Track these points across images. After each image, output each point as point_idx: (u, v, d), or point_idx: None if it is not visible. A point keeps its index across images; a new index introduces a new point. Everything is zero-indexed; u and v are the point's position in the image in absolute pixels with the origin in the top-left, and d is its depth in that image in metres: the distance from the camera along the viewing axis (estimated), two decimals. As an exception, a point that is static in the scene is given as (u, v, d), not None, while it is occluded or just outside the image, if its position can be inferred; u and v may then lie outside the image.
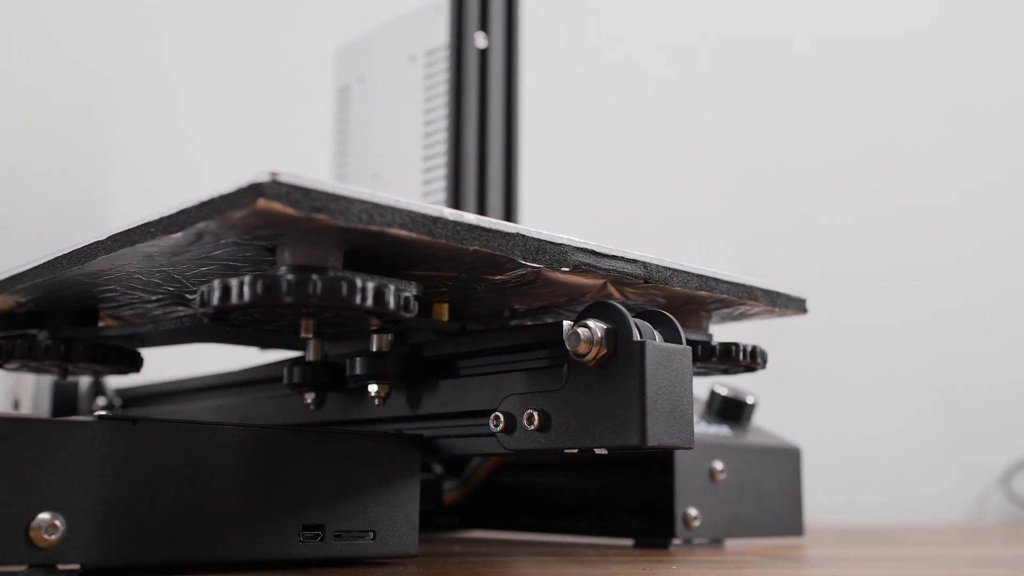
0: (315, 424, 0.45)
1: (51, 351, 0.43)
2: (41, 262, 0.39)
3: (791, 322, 0.88)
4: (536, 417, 0.36)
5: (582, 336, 0.34)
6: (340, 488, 0.37)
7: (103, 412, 0.33)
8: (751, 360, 0.43)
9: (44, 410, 0.61)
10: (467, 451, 0.40)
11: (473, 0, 0.66)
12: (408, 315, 0.32)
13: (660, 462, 0.51)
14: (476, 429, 0.39)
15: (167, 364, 0.60)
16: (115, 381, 0.63)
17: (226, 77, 0.93)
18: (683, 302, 0.42)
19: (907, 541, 0.63)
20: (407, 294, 0.32)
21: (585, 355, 0.34)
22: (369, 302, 0.31)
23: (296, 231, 0.31)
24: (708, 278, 0.41)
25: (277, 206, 0.29)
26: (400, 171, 0.67)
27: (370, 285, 0.31)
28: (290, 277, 0.30)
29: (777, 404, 0.78)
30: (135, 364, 0.47)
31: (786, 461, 0.56)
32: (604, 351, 0.34)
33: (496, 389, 0.38)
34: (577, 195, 1.01)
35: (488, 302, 0.42)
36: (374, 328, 0.35)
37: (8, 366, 0.45)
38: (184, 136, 0.90)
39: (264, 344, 0.52)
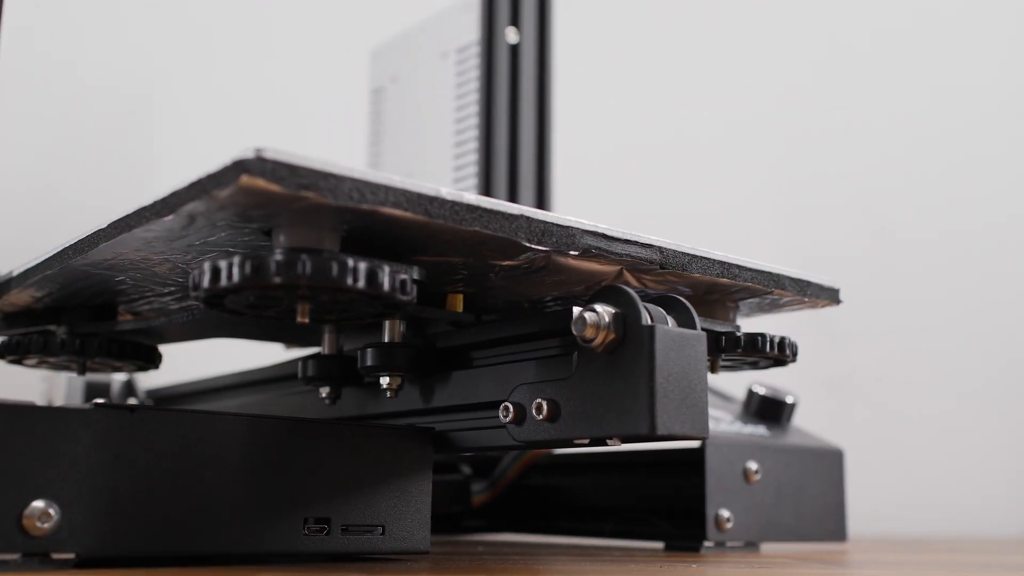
0: (328, 419, 0.44)
1: (66, 346, 0.43)
2: (50, 254, 0.39)
3: (841, 324, 0.85)
4: (545, 406, 0.34)
5: (589, 320, 0.32)
6: (348, 481, 0.36)
7: (100, 400, 0.32)
8: (779, 352, 0.42)
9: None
10: (479, 444, 0.38)
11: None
12: (405, 298, 0.31)
13: (691, 462, 0.49)
14: (488, 421, 0.38)
15: (205, 363, 0.60)
16: (147, 381, 0.63)
17: (262, 81, 0.93)
18: (706, 291, 0.41)
19: (957, 549, 0.61)
20: (403, 276, 0.31)
21: (592, 340, 0.33)
22: (361, 283, 0.30)
23: (290, 213, 0.30)
24: (730, 265, 0.39)
25: (261, 183, 0.28)
26: (432, 169, 0.66)
27: (362, 266, 0.30)
28: (279, 257, 0.29)
29: (828, 408, 0.75)
30: (152, 360, 0.46)
31: (827, 463, 0.54)
32: (612, 336, 0.32)
33: (507, 379, 0.37)
34: (612, 192, 0.99)
35: (505, 292, 0.41)
36: (373, 313, 0.34)
37: (26, 362, 0.45)
38: (218, 140, 0.91)
39: (287, 340, 0.52)
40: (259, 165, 0.28)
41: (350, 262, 0.30)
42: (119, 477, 0.32)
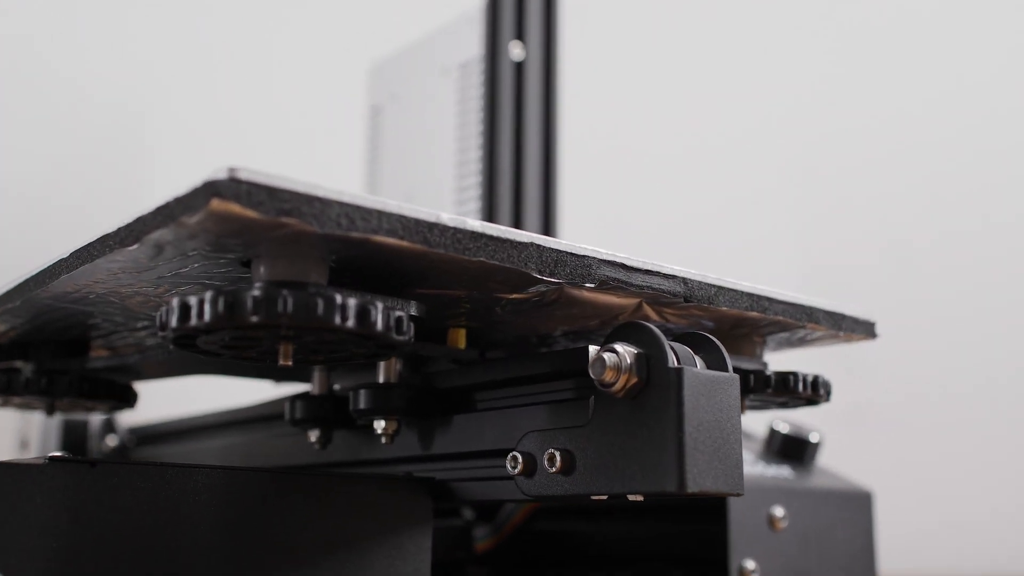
0: (317, 466, 0.41)
1: (32, 385, 0.39)
2: (12, 286, 0.35)
3: (860, 351, 0.81)
4: (558, 458, 0.31)
5: (608, 362, 0.29)
6: (338, 539, 0.33)
7: (58, 453, 0.29)
8: (813, 392, 0.38)
9: (51, 450, 0.58)
10: (483, 497, 0.35)
11: (508, 10, 0.61)
12: (401, 338, 0.28)
13: (712, 508, 0.45)
14: (494, 471, 0.34)
15: (203, 396, 0.56)
16: (127, 419, 0.59)
17: (255, 99, 0.90)
18: (733, 325, 0.37)
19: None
20: (399, 313, 0.28)
21: (612, 385, 0.29)
22: (351, 322, 0.26)
23: (270, 242, 0.27)
24: (760, 297, 0.36)
25: (235, 208, 0.24)
26: (433, 191, 0.63)
27: (351, 302, 0.26)
28: (256, 293, 0.26)
29: (847, 442, 0.71)
30: (127, 398, 0.43)
31: (856, 506, 0.50)
32: (635, 380, 0.29)
33: (515, 425, 0.33)
34: (621, 216, 0.95)
35: (512, 327, 0.37)
36: (366, 354, 0.30)
37: (-11, 401, 0.42)
38: (212, 159, 0.87)
39: (275, 377, 0.48)
40: (232, 187, 0.24)
41: (338, 298, 0.26)
42: (78, 542, 0.28)
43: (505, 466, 0.33)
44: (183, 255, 0.28)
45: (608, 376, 0.29)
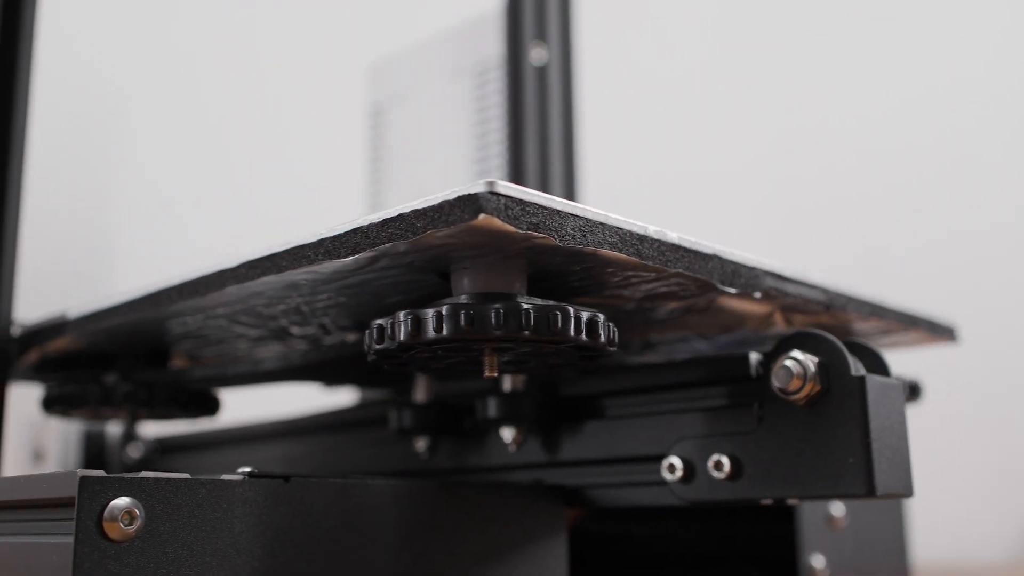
0: (424, 473, 0.40)
1: (131, 396, 0.38)
2: (137, 296, 0.34)
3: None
4: (726, 463, 0.31)
5: (793, 371, 0.30)
6: (487, 547, 0.33)
7: (248, 469, 0.28)
8: (911, 395, 0.40)
9: (72, 461, 0.55)
10: (626, 502, 0.35)
11: (528, 11, 0.61)
12: (613, 349, 0.28)
13: (778, 507, 0.47)
14: (636, 477, 0.35)
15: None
16: (149, 429, 0.57)
17: (253, 100, 0.88)
18: (846, 332, 0.39)
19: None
20: (612, 325, 0.28)
21: (796, 392, 0.30)
22: (584, 335, 0.27)
23: (478, 254, 0.27)
24: (878, 306, 0.37)
25: (497, 223, 0.24)
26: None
27: (584, 315, 0.27)
28: (499, 307, 0.26)
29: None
30: (212, 408, 0.41)
31: (889, 501, 0.53)
32: (818, 388, 0.30)
33: (663, 432, 0.34)
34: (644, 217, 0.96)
35: (628, 334, 0.38)
36: (562, 364, 0.30)
37: (74, 413, 0.40)
38: (201, 162, 0.85)
39: (331, 382, 0.47)
40: (493, 201, 0.24)
41: (571, 311, 0.26)
42: (277, 555, 0.28)
43: (650, 472, 0.33)
44: (388, 268, 0.28)
45: (793, 384, 0.30)
